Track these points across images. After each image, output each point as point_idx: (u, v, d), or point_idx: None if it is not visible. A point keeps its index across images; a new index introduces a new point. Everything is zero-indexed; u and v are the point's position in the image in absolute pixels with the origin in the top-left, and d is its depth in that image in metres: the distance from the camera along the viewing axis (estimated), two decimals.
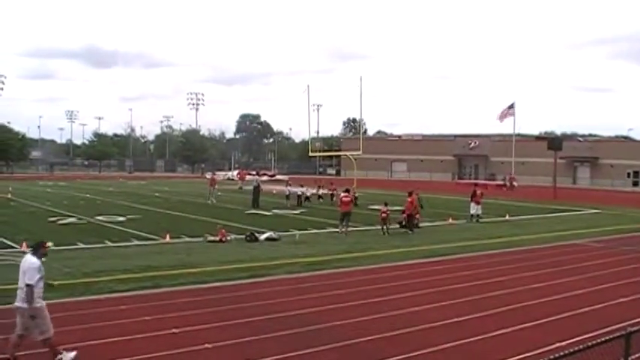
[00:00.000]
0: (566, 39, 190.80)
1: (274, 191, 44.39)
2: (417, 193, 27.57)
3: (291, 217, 30.30)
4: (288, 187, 39.22)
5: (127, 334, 9.94)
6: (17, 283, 8.61)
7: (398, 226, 25.86)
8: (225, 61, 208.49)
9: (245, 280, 14.74)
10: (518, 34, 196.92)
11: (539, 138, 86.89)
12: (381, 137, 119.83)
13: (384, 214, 24.43)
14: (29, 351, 8.67)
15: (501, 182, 66.66)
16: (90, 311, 11.41)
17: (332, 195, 37.78)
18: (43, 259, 8.89)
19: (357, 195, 37.09)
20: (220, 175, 66.18)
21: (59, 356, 8.49)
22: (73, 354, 8.62)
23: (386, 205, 24.84)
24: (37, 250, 8.85)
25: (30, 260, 8.60)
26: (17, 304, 8.51)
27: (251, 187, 38.58)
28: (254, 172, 62.32)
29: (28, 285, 8.36)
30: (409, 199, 25.70)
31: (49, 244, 10.15)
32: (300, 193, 37.87)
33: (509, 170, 70.19)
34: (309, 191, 38.70)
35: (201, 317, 11.10)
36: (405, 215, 26.43)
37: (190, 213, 30.94)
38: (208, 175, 51.04)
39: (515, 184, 63.69)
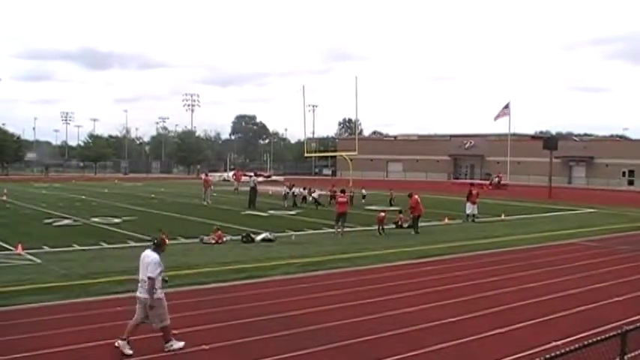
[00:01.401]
0: (561, 39, 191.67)
1: (270, 192, 44.39)
2: (392, 192, 27.38)
3: (287, 217, 30.30)
4: (285, 188, 39.19)
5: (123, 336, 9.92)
6: (13, 285, 8.60)
7: (394, 226, 25.93)
8: (220, 61, 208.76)
9: (241, 281, 14.74)
10: (514, 35, 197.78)
11: (534, 137, 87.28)
12: (377, 137, 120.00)
13: (381, 214, 24.52)
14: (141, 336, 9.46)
15: (490, 181, 67.33)
16: (86, 313, 11.39)
17: (332, 197, 37.79)
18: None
19: (353, 194, 37.26)
20: (215, 176, 66.04)
21: (170, 343, 9.29)
22: (181, 344, 9.38)
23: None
24: (159, 246, 9.56)
25: (151, 255, 9.32)
26: (139, 294, 9.28)
27: (247, 188, 38.56)
28: (251, 174, 62.25)
29: (150, 278, 9.10)
30: (412, 200, 25.70)
31: (167, 241, 10.79)
32: (297, 193, 37.86)
33: (504, 170, 70.44)
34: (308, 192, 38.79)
35: (197, 318, 11.10)
36: (400, 217, 26.49)
37: (186, 214, 30.91)
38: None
39: (498, 180, 64.36)
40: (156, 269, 9.17)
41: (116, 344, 9.15)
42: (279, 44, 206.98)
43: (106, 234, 22.78)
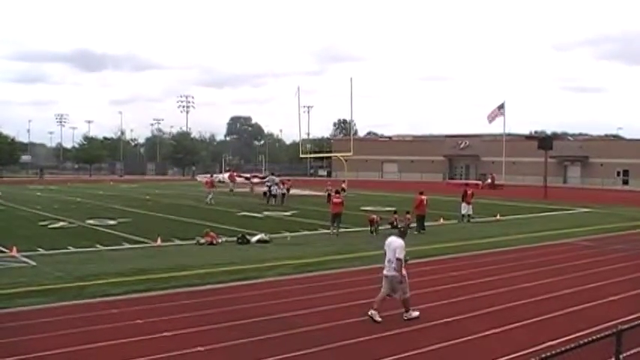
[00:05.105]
0: (553, 40, 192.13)
1: (253, 191, 44.70)
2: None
3: (282, 218, 30.28)
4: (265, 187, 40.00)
5: (119, 338, 9.91)
6: (7, 288, 8.58)
7: (389, 226, 25.89)
8: (215, 63, 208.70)
9: (236, 282, 14.72)
10: (507, 35, 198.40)
11: (529, 137, 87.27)
12: (372, 138, 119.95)
13: (372, 216, 24.76)
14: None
15: (482, 181, 67.78)
16: (82, 315, 11.36)
17: (329, 195, 37.80)
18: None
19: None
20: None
21: (409, 312, 11.19)
22: (416, 313, 11.26)
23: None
24: (404, 234, 11.70)
25: (398, 240, 11.23)
26: (389, 272, 11.15)
27: (242, 190, 38.64)
28: (247, 175, 62.19)
29: (399, 259, 10.99)
30: (419, 198, 25.88)
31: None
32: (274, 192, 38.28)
33: (499, 170, 70.63)
34: (278, 190, 39.30)
35: (193, 320, 11.08)
36: (395, 217, 26.48)
37: (181, 216, 30.86)
38: (205, 178, 51.03)
39: (492, 180, 64.75)
40: (403, 252, 11.03)
41: (369, 313, 10.97)
42: (274, 45, 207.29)
43: (102, 236, 22.73)
